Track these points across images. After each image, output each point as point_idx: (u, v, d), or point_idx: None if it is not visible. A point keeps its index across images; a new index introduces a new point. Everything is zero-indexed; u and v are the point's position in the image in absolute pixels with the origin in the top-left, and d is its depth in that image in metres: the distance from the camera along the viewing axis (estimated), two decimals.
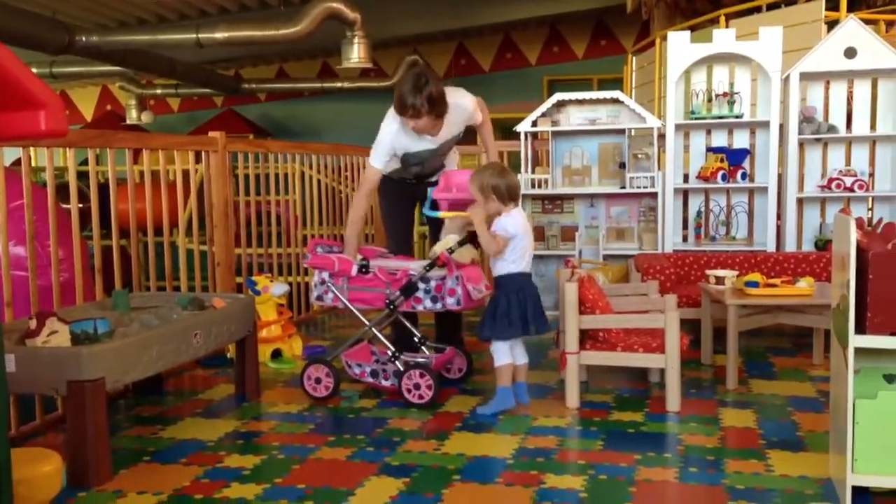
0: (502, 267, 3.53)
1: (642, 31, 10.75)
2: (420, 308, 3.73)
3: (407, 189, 4.25)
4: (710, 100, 5.49)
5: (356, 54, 8.53)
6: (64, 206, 4.16)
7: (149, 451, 3.12)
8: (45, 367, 2.75)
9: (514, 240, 3.48)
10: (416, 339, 3.96)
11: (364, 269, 3.77)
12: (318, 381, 3.77)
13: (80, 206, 3.71)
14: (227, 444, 3.19)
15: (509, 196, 3.48)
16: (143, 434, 3.33)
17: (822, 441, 3.02)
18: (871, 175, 5.43)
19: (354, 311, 3.83)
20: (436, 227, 4.04)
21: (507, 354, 3.53)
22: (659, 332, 3.50)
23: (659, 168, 5.54)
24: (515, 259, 3.50)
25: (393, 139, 3.91)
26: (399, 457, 3.01)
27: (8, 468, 2.15)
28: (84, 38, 8.30)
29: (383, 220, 4.45)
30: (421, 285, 3.70)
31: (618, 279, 4.96)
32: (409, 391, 3.62)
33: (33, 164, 3.76)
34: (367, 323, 3.87)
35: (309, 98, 13.20)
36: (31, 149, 3.59)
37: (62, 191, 3.94)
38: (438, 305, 3.71)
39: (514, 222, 3.49)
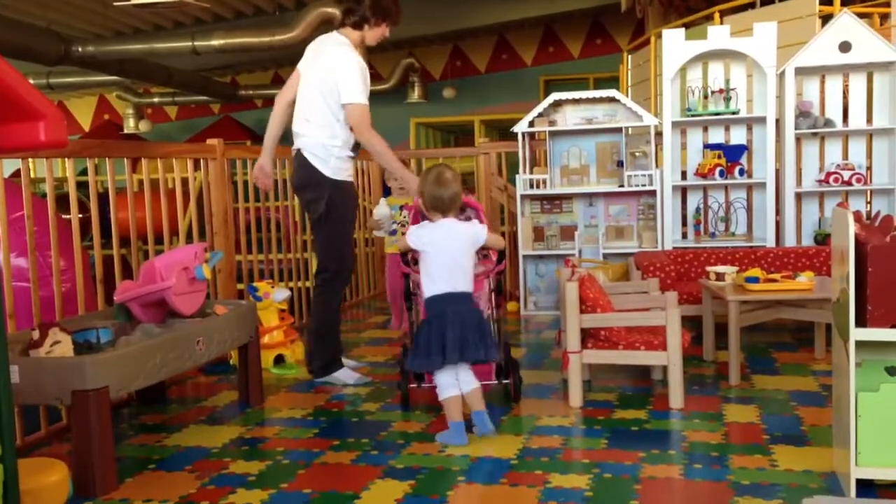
0: (424, 289, 3.23)
1: (637, 30, 10.77)
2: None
3: (354, 194, 4.03)
4: (706, 96, 5.50)
5: None
6: (64, 216, 4.18)
7: (154, 458, 3.13)
8: (48, 377, 2.75)
9: (425, 255, 3.22)
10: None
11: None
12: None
13: (81, 216, 3.71)
14: (232, 451, 3.19)
15: (432, 207, 3.22)
16: (147, 442, 3.34)
17: (825, 435, 3.03)
18: (869, 168, 5.45)
19: None
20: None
21: (450, 386, 3.17)
22: (660, 330, 3.51)
23: (657, 166, 5.55)
24: (432, 277, 3.20)
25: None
26: (403, 459, 3.01)
27: (15, 479, 2.15)
28: (80, 49, 8.33)
29: (330, 237, 3.92)
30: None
31: (618, 277, 4.97)
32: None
33: (33, 175, 3.76)
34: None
35: None
36: (31, 160, 3.60)
37: (62, 201, 3.96)
38: None
39: (427, 233, 3.22)
